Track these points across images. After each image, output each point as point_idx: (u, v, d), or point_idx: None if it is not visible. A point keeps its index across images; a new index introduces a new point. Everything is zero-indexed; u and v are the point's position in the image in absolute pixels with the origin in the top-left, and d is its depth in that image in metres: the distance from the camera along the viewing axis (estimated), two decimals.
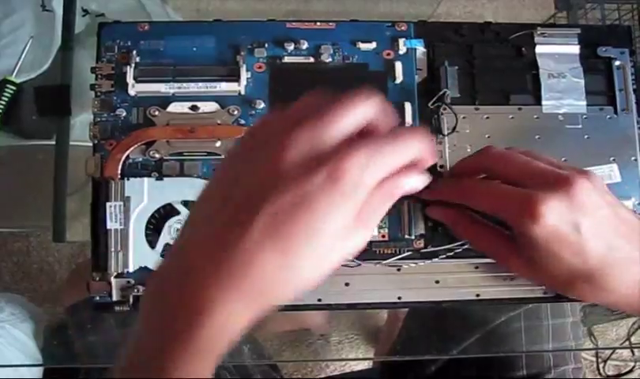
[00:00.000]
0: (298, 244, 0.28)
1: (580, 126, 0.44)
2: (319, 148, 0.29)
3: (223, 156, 0.42)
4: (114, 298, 0.41)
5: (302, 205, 0.28)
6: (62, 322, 0.81)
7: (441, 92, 0.43)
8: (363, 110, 0.31)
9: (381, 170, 0.30)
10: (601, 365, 1.28)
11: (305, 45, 0.44)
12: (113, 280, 0.41)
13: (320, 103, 0.31)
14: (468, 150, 0.43)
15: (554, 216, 0.34)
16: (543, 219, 0.34)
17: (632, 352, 1.29)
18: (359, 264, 0.41)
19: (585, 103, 0.45)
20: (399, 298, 0.42)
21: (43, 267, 1.17)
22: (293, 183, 0.28)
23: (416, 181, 0.32)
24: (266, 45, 0.44)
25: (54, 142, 0.65)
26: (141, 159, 0.42)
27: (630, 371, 1.28)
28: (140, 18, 0.45)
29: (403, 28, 0.45)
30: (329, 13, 0.95)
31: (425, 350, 0.70)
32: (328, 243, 0.29)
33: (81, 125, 0.66)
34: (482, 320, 0.66)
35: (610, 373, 1.28)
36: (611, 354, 1.28)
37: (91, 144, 0.43)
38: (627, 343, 1.27)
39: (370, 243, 0.41)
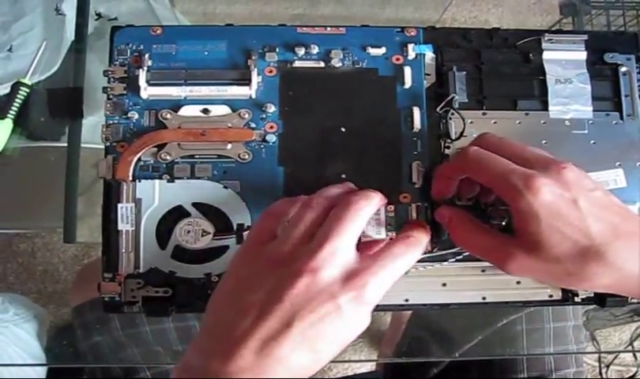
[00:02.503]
0: (326, 344, 0.33)
1: (586, 132, 0.45)
2: (344, 266, 0.34)
3: (233, 160, 0.42)
4: (125, 299, 0.41)
5: (329, 318, 0.33)
6: (66, 322, 0.81)
7: (449, 97, 0.44)
8: (368, 212, 0.37)
9: (394, 278, 0.35)
10: (604, 370, 1.27)
11: (315, 50, 0.44)
12: (123, 281, 0.41)
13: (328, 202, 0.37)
14: None
15: (552, 190, 0.35)
16: (541, 193, 0.35)
17: (635, 357, 1.29)
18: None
19: (591, 108, 0.45)
20: (406, 300, 0.43)
21: (47, 268, 1.17)
22: (324, 302, 0.33)
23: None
24: (277, 49, 0.44)
25: (62, 144, 0.65)
26: (152, 162, 0.42)
27: (633, 376, 1.28)
28: (149, 22, 0.45)
29: (412, 33, 0.45)
30: (335, 17, 0.95)
31: (428, 353, 0.71)
32: (347, 336, 0.34)
33: (88, 127, 0.66)
34: (484, 322, 0.66)
35: (612, 378, 1.28)
36: (614, 358, 1.28)
37: (97, 146, 0.43)
38: (630, 347, 1.27)
39: None
